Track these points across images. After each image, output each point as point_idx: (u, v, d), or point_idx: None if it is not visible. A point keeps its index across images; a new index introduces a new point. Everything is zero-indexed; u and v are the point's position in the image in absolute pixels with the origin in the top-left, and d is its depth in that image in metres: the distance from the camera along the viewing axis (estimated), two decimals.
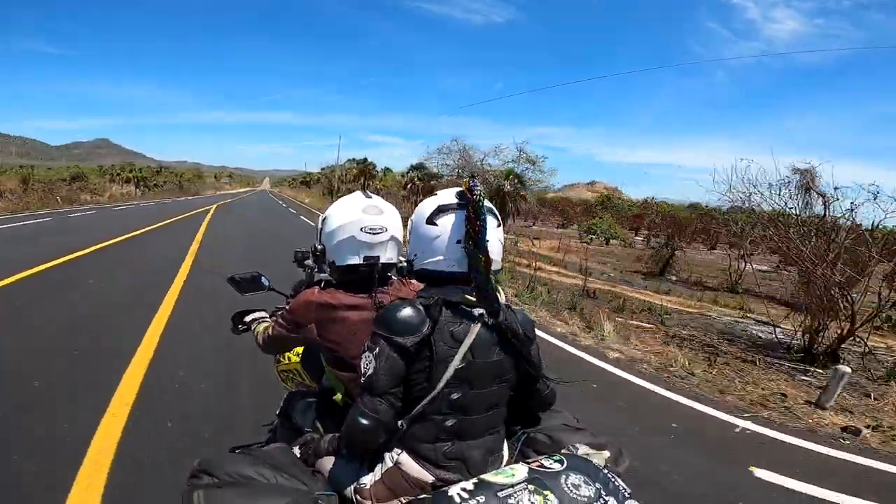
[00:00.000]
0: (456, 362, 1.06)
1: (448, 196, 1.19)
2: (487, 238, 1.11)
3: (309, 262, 1.93)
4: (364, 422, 1.04)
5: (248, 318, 1.79)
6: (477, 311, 1.11)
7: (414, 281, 1.51)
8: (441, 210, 1.17)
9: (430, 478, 1.07)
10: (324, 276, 1.85)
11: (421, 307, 1.09)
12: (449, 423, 1.09)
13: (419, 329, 1.06)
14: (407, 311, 1.08)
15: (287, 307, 1.57)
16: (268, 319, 1.75)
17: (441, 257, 1.16)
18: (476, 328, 1.10)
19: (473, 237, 1.10)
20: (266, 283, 2.00)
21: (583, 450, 1.19)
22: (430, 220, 1.17)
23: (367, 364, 1.07)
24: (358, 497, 1.09)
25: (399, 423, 1.08)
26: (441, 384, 1.06)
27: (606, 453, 1.20)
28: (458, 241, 1.13)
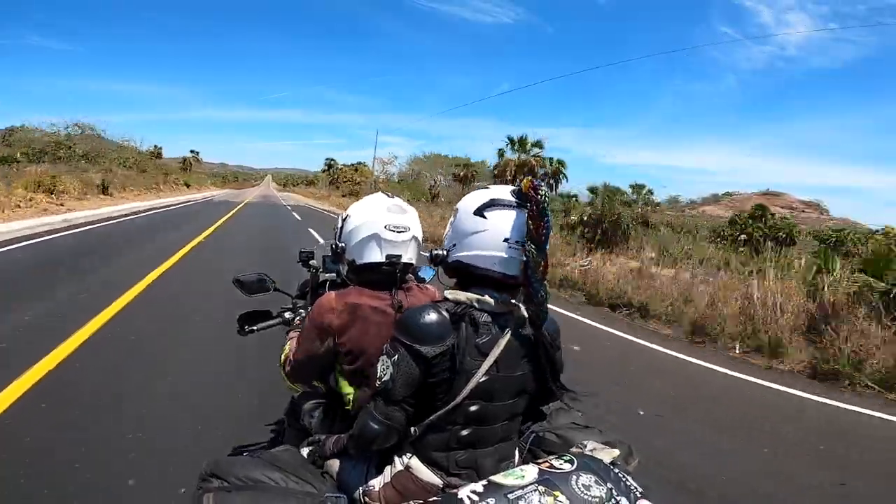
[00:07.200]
0: (479, 376, 1.02)
1: (502, 191, 1.09)
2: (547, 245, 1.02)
3: (314, 262, 1.92)
4: (376, 427, 1.03)
5: (256, 327, 1.80)
6: (506, 321, 1.06)
7: (429, 287, 1.49)
8: (493, 203, 1.07)
9: (439, 482, 1.06)
10: (329, 276, 1.84)
11: (446, 314, 1.03)
12: (464, 433, 1.07)
13: (443, 339, 1.00)
14: (431, 318, 1.01)
15: (306, 317, 1.48)
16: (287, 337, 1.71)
17: (481, 252, 1.06)
18: (504, 341, 1.04)
19: (536, 240, 1.01)
20: (271, 285, 2.00)
21: (591, 446, 1.17)
22: (479, 212, 1.07)
23: (384, 369, 1.03)
24: (366, 500, 1.09)
25: (412, 429, 1.06)
26: (460, 398, 1.02)
27: (616, 451, 1.19)
28: (506, 240, 1.05)
